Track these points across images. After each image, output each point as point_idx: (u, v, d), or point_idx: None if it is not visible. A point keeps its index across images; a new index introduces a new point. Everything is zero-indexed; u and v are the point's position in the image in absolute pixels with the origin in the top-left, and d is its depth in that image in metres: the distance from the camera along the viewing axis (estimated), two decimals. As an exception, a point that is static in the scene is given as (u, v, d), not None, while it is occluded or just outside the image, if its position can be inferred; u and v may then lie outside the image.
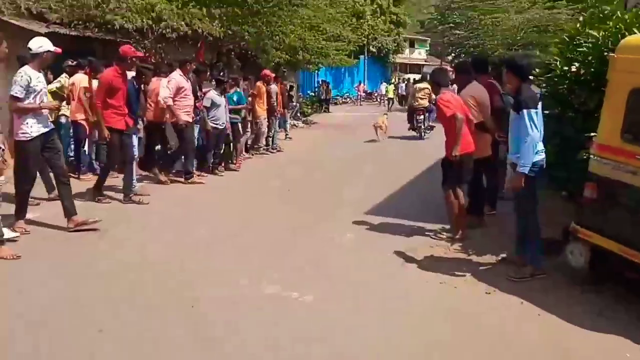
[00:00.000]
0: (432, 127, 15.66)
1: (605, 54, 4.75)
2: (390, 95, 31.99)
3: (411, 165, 10.48)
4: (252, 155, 11.78)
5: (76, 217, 5.87)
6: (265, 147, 12.47)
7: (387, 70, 45.08)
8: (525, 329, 4.00)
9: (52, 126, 5.85)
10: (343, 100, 35.65)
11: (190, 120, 8.53)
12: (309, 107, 23.68)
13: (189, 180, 8.59)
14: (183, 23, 10.44)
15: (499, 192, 6.94)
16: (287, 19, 13.13)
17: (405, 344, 3.73)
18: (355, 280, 4.82)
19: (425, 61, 53.34)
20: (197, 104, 8.82)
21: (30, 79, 5.40)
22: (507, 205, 6.93)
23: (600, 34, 4.91)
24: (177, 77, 8.31)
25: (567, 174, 5.57)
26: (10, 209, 5.64)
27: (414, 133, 15.87)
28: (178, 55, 12.74)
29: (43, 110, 5.66)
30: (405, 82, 33.57)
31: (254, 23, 12.27)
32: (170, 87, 8.16)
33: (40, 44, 5.54)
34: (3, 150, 5.16)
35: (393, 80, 37.77)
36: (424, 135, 15.59)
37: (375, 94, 37.57)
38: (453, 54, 32.40)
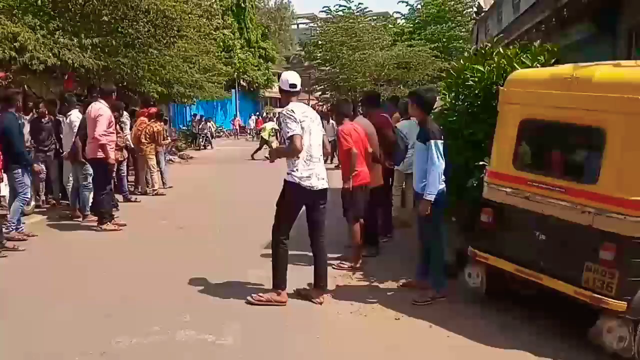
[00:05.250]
0: None
1: (491, 87, 5.15)
2: (266, 136, 19.99)
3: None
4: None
5: None
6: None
7: (258, 104, 45.41)
8: (437, 351, 4.15)
9: None
10: (217, 134, 35.01)
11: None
12: (183, 141, 22.98)
13: (103, 226, 7.76)
14: (50, 54, 9.62)
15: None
16: (164, 50, 12.70)
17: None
18: (269, 317, 4.71)
19: (294, 95, 54.51)
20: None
21: None
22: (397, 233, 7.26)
23: (486, 69, 5.31)
24: (106, 110, 7.57)
25: (457, 201, 5.88)
26: None
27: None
28: (42, 89, 11.86)
29: None
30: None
31: (129, 54, 11.66)
32: (105, 122, 7.44)
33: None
34: None
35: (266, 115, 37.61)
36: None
37: (248, 129, 37.07)
38: (321, 89, 33.49)
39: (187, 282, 5.59)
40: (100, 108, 7.49)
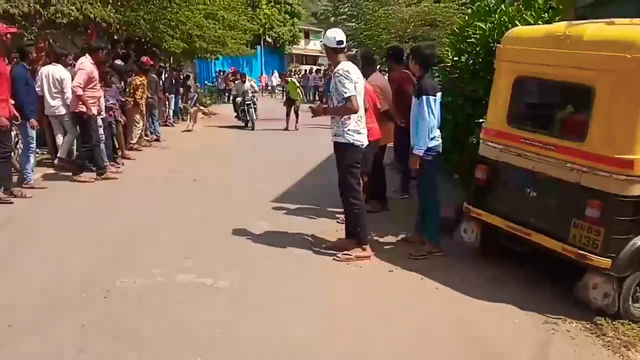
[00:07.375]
0: None
1: (492, 45, 5.12)
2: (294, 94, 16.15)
3: (312, 154, 10.62)
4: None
5: None
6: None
7: (284, 61, 45.04)
8: (424, 301, 4.30)
9: None
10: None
11: (96, 112, 8.04)
12: (208, 97, 23.17)
13: (103, 176, 8.06)
14: (73, 8, 9.78)
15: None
16: (184, 5, 12.75)
17: (318, 324, 3.86)
18: (268, 265, 4.93)
19: (321, 52, 53.89)
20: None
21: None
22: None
23: (487, 26, 5.27)
24: (88, 65, 7.75)
25: (459, 158, 5.95)
26: None
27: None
28: (67, 44, 12.06)
29: None
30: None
31: (149, 9, 11.74)
32: (82, 76, 7.61)
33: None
34: None
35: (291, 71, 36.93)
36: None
37: (270, 86, 36.47)
38: (346, 46, 32.81)
39: (193, 230, 5.85)
40: (82, 62, 7.73)
